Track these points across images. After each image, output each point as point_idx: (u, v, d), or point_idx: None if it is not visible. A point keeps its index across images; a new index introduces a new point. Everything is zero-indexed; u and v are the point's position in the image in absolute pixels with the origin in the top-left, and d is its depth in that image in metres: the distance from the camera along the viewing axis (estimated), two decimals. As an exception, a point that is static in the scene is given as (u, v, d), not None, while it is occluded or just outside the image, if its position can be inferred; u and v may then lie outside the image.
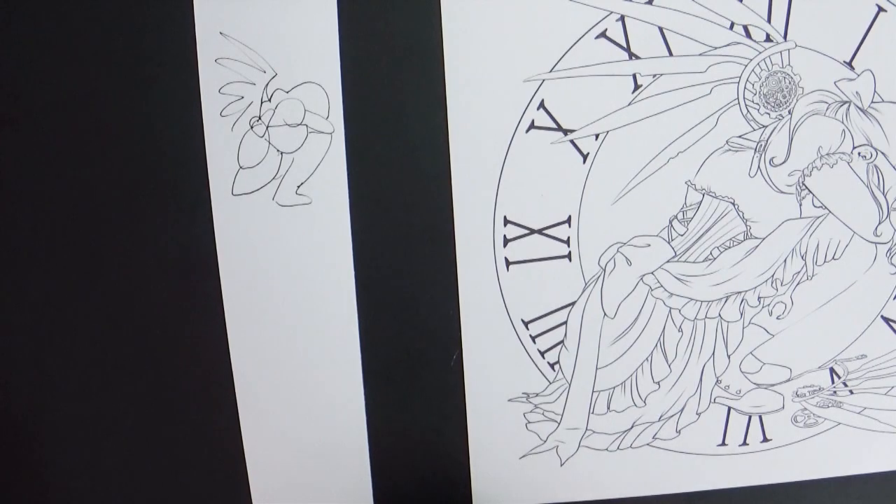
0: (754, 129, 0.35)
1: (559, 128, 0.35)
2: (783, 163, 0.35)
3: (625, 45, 0.34)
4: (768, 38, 0.34)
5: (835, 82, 0.34)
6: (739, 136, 0.35)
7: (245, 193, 0.35)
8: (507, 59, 0.34)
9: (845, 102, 0.34)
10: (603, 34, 0.34)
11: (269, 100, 0.34)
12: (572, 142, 0.35)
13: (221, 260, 0.35)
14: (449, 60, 0.34)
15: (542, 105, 0.34)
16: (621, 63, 0.34)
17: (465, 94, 0.34)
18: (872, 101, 0.34)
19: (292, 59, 0.33)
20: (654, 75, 0.34)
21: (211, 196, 0.35)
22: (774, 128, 0.35)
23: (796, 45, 0.34)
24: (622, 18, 0.33)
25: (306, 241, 0.35)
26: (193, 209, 0.35)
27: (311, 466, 0.38)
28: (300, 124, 0.34)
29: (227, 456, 0.38)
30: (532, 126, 0.35)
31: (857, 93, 0.34)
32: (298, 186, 0.35)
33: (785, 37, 0.34)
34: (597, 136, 0.35)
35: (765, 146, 0.35)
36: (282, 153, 0.34)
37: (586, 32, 0.34)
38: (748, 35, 0.34)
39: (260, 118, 0.34)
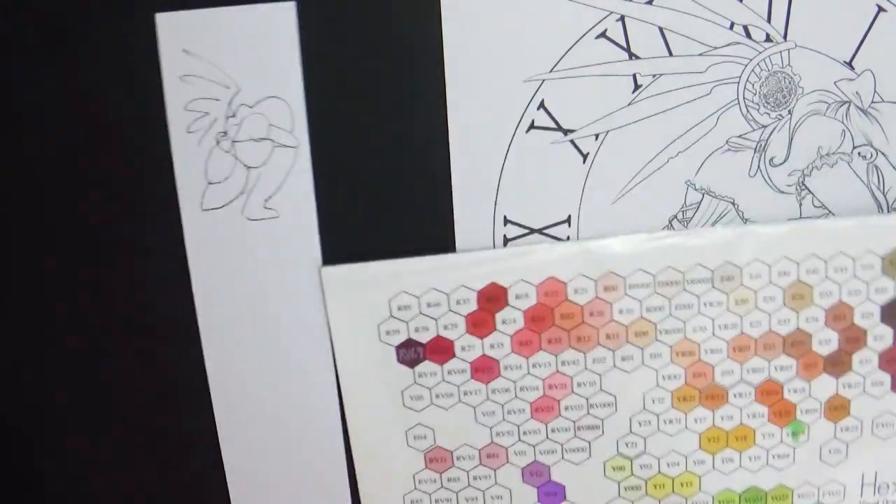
0: (754, 129, 0.35)
1: (559, 128, 0.35)
2: (783, 163, 0.35)
3: (625, 46, 0.34)
4: (768, 38, 0.34)
5: (835, 82, 0.34)
6: (739, 136, 0.35)
7: (214, 208, 0.35)
8: (507, 59, 0.34)
9: (845, 102, 0.34)
10: (603, 34, 0.34)
11: (234, 115, 0.34)
12: (572, 142, 0.35)
13: (194, 275, 0.36)
14: (449, 60, 0.34)
15: (542, 105, 0.34)
16: (621, 63, 0.34)
17: (465, 94, 0.34)
18: (872, 102, 0.34)
19: (255, 74, 0.34)
20: (654, 75, 0.34)
21: (181, 212, 0.35)
22: (774, 128, 0.35)
23: (796, 45, 0.34)
24: (622, 18, 0.33)
25: (276, 254, 0.36)
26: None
27: (286, 468, 0.38)
28: (265, 139, 0.34)
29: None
30: (532, 126, 0.35)
31: (857, 93, 0.34)
32: (266, 200, 0.35)
33: (785, 37, 0.34)
34: (597, 136, 0.35)
35: (765, 146, 0.35)
36: (248, 168, 0.34)
37: (586, 32, 0.34)
38: (748, 35, 0.34)
39: (226, 133, 0.34)
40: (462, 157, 0.35)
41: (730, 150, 0.35)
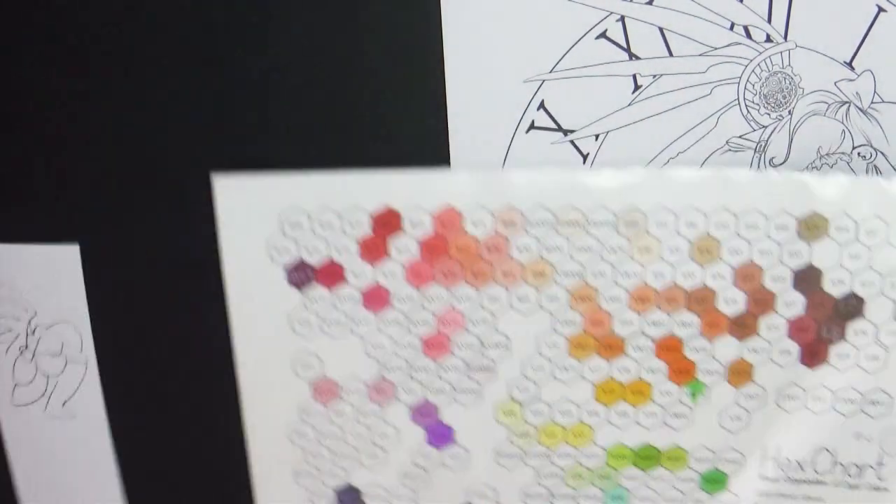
0: (754, 130, 0.35)
1: (559, 128, 0.35)
2: (783, 163, 0.35)
3: (625, 46, 0.34)
4: (769, 39, 0.34)
5: (835, 83, 0.34)
6: (740, 137, 0.35)
7: (23, 405, 0.39)
8: (507, 59, 0.34)
9: (845, 103, 0.34)
10: (603, 34, 0.34)
11: (34, 332, 0.38)
12: (572, 142, 0.35)
13: (14, 466, 0.40)
14: (449, 60, 0.34)
15: (542, 105, 0.34)
16: (621, 63, 0.34)
17: (465, 94, 0.34)
18: (872, 102, 0.34)
19: (48, 301, 0.37)
20: (654, 75, 0.34)
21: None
22: (774, 128, 0.35)
23: (796, 46, 0.34)
24: (622, 19, 0.33)
25: (73, 451, 0.39)
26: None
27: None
28: (60, 354, 0.38)
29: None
30: (532, 126, 0.35)
31: (857, 93, 0.34)
32: (64, 403, 0.38)
33: (785, 37, 0.34)
34: (597, 136, 0.35)
35: (765, 146, 0.35)
36: (47, 376, 0.38)
37: (587, 32, 0.34)
38: (748, 35, 0.34)
39: (27, 346, 0.38)
40: (462, 158, 0.35)
41: (730, 150, 0.35)
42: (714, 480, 0.37)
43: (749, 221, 0.34)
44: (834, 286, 0.35)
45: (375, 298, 0.36)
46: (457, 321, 0.36)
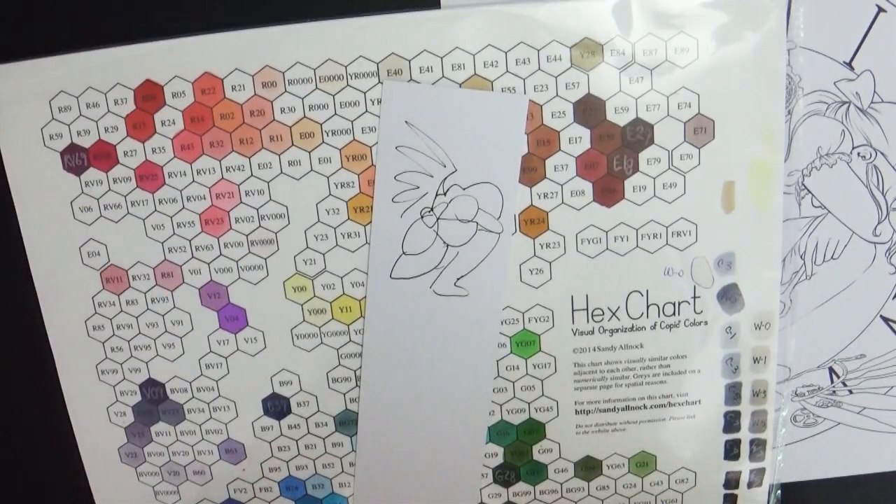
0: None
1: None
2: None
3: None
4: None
5: (835, 82, 0.34)
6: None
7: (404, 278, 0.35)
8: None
9: (845, 103, 0.34)
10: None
11: (445, 193, 0.34)
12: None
13: None
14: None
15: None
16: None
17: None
18: (872, 102, 0.34)
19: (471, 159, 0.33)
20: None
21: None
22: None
23: (796, 46, 0.34)
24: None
25: (460, 326, 0.35)
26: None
27: None
28: (471, 221, 0.34)
29: None
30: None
31: (856, 93, 0.34)
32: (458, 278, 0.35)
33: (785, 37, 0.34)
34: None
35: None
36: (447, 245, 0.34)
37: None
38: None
39: (432, 209, 0.34)
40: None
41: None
42: (525, 343, 0.36)
43: (519, 56, 0.32)
44: (618, 114, 0.33)
45: (149, 177, 0.35)
46: (231, 193, 0.35)
